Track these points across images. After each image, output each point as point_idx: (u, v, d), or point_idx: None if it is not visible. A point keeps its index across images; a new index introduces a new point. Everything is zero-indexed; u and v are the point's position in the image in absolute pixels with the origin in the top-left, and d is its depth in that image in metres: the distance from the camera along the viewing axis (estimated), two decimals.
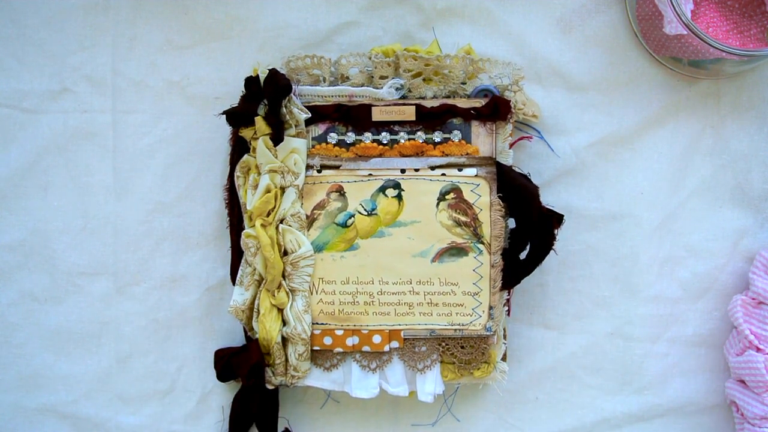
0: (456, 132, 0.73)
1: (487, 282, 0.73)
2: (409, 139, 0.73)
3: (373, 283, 0.73)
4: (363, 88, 0.73)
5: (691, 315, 0.78)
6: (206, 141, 0.78)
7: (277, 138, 0.72)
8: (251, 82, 0.72)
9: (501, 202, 0.73)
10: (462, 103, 0.72)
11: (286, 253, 0.73)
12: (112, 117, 0.78)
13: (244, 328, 0.75)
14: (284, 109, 0.72)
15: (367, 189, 0.73)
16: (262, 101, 0.72)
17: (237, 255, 0.75)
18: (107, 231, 0.78)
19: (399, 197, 0.73)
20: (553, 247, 0.72)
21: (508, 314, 0.76)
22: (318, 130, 0.73)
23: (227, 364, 0.74)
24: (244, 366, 0.73)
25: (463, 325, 0.73)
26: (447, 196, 0.73)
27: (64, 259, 0.78)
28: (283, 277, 0.73)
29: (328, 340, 0.73)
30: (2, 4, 0.77)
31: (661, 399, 0.78)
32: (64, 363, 0.79)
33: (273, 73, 0.71)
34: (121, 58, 0.77)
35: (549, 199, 0.77)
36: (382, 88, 0.73)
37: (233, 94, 0.76)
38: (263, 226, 0.72)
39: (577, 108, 0.77)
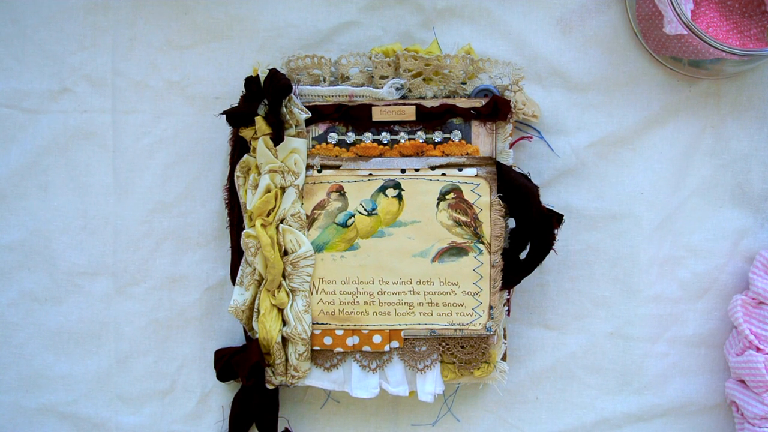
0: (456, 132, 0.73)
1: (487, 282, 0.73)
2: (409, 139, 0.73)
3: (373, 283, 0.73)
4: (363, 88, 0.73)
5: (691, 315, 0.78)
6: (206, 141, 0.78)
7: (277, 138, 0.72)
8: (251, 82, 0.72)
9: (501, 202, 0.73)
10: (462, 103, 0.72)
11: (286, 253, 0.73)
12: (112, 117, 0.78)
13: (244, 328, 0.75)
14: (284, 109, 0.72)
15: (367, 189, 0.73)
16: (262, 101, 0.72)
17: (237, 255, 0.75)
18: (107, 231, 0.78)
19: (399, 197, 0.73)
20: (553, 247, 0.72)
21: (508, 314, 0.76)
22: (318, 130, 0.73)
23: (227, 364, 0.74)
24: (244, 366, 0.72)
25: (463, 324, 0.73)
26: (447, 196, 0.73)
27: (64, 259, 0.78)
28: (283, 277, 0.73)
29: (328, 340, 0.73)
30: (2, 4, 0.77)
31: (661, 399, 0.78)
32: (64, 363, 0.79)
33: (273, 73, 0.71)
34: (121, 58, 0.77)
35: (549, 199, 0.77)
36: (382, 88, 0.73)
37: (233, 94, 0.76)
38: (263, 226, 0.72)
39: (577, 108, 0.77)
